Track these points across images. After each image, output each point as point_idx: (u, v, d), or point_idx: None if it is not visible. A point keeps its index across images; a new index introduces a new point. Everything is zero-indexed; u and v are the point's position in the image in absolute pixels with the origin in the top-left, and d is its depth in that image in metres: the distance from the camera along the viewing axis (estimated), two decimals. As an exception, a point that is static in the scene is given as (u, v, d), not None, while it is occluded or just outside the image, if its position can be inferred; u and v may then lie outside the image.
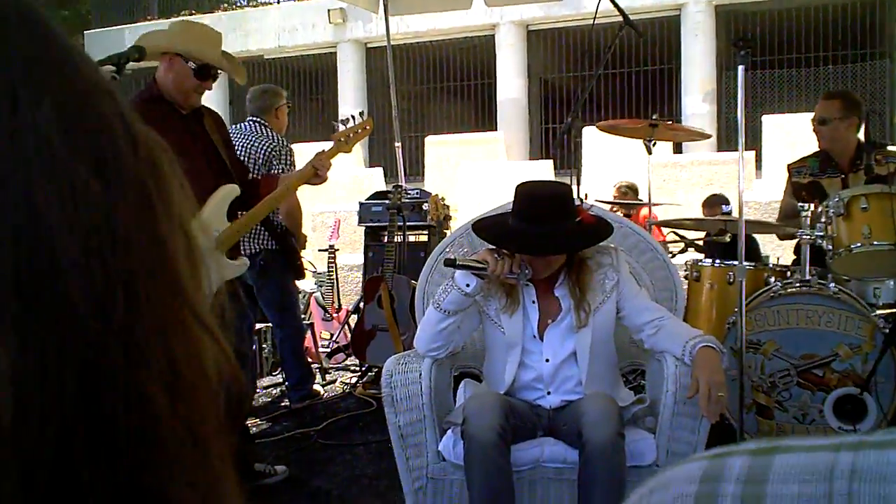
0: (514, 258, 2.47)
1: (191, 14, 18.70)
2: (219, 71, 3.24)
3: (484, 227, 2.69)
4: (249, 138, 4.51)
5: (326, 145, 3.45)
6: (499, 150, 11.77)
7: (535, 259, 2.52)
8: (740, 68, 2.91)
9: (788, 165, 4.33)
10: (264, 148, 4.46)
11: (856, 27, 13.62)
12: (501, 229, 2.60)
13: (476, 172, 9.66)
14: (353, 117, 3.37)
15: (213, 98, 17.87)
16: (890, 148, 3.99)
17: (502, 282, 2.57)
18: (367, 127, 3.40)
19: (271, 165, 4.45)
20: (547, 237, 2.52)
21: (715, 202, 5.24)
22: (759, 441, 0.42)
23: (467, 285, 2.47)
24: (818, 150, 4.21)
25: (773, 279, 3.64)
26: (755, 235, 4.87)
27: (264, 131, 4.54)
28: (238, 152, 4.43)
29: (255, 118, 4.60)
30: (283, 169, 4.45)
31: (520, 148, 14.59)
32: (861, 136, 4.09)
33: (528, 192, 2.61)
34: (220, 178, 3.10)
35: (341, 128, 3.35)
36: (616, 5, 3.94)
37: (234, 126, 4.68)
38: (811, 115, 4.13)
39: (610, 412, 2.37)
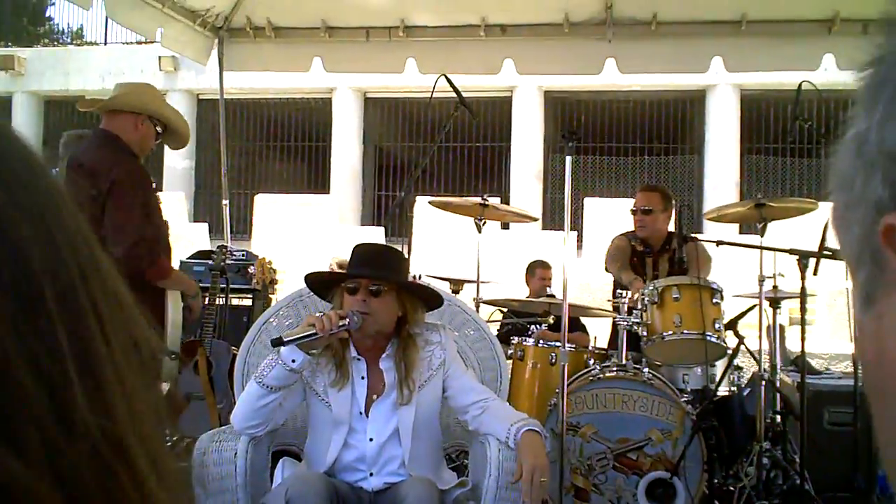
0: (339, 312, 2.40)
1: (6, 45, 17.57)
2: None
3: (316, 275, 2.69)
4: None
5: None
6: (331, 214, 11.70)
7: (365, 306, 2.45)
8: (567, 158, 3.03)
9: (624, 234, 4.56)
10: (80, 197, 4.15)
11: (670, 123, 14.83)
12: (334, 273, 2.60)
13: (306, 235, 9.53)
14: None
15: (27, 135, 16.72)
16: (699, 243, 4.27)
17: (333, 346, 2.51)
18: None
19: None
20: (379, 267, 2.55)
21: (537, 267, 5.50)
22: None
23: (293, 360, 2.37)
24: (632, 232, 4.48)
25: (592, 361, 3.76)
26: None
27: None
28: None
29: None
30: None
31: (352, 213, 14.61)
32: (671, 227, 4.39)
33: (363, 246, 2.67)
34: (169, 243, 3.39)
35: None
36: (453, 86, 4.02)
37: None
38: (628, 200, 4.40)
39: (429, 498, 2.32)
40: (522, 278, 5.82)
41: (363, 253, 2.64)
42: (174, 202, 12.01)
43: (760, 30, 5.33)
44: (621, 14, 5.51)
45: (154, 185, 3.38)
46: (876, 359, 0.45)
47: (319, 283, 2.68)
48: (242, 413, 2.49)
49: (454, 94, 4.21)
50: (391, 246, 2.76)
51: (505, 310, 4.86)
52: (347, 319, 2.38)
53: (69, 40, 22.18)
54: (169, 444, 4.82)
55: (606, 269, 4.51)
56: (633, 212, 4.39)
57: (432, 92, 4.00)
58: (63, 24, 25.35)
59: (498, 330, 4.83)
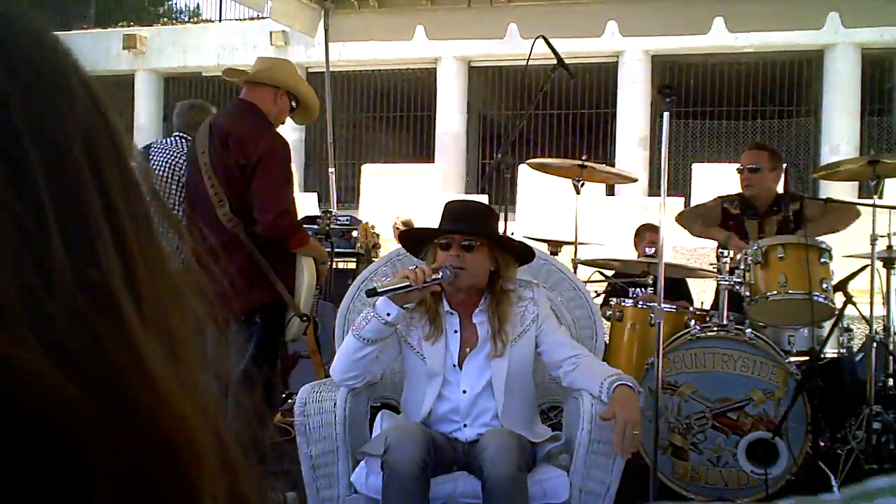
0: (432, 266, 2.48)
1: (129, 26, 18.42)
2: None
3: (411, 232, 2.78)
4: (175, 154, 4.37)
5: None
6: (435, 183, 11.83)
7: (459, 261, 2.50)
8: (665, 114, 2.98)
9: (720, 197, 4.40)
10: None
11: (783, 85, 14.19)
12: (429, 230, 2.66)
13: (411, 203, 9.67)
14: None
15: (146, 112, 17.58)
16: (806, 202, 4.11)
17: (426, 300, 2.57)
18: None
19: None
20: (472, 224, 2.58)
21: (645, 231, 5.32)
22: None
23: (388, 314, 2.44)
24: (738, 193, 4.33)
25: (693, 322, 3.71)
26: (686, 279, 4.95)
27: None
28: (161, 168, 4.32)
29: (181, 134, 4.48)
30: None
31: (456, 181, 14.69)
32: (780, 188, 4.22)
33: (455, 203, 2.73)
34: None
35: None
36: (550, 46, 3.99)
37: (158, 140, 4.56)
38: (737, 165, 4.25)
39: (509, 447, 2.35)
40: (628, 242, 5.74)
41: (455, 209, 2.67)
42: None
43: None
44: (731, -32, 5.31)
45: None
46: None
47: (414, 240, 2.74)
48: (341, 365, 2.59)
49: (554, 58, 4.19)
50: (482, 202, 2.81)
51: (606, 272, 4.83)
52: (441, 273, 2.43)
53: (187, 19, 23.05)
54: (282, 399, 5.05)
55: (691, 232, 4.37)
56: (740, 170, 4.23)
57: (529, 55, 3.98)
58: (181, 4, 26.41)
59: (600, 291, 4.81)
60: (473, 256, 2.54)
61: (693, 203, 10.69)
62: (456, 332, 2.64)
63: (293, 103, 3.50)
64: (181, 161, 4.34)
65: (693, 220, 4.35)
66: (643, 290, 4.47)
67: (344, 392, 2.63)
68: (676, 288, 4.54)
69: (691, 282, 5.14)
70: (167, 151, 4.39)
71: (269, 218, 3.20)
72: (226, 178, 3.27)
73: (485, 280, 2.61)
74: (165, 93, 17.91)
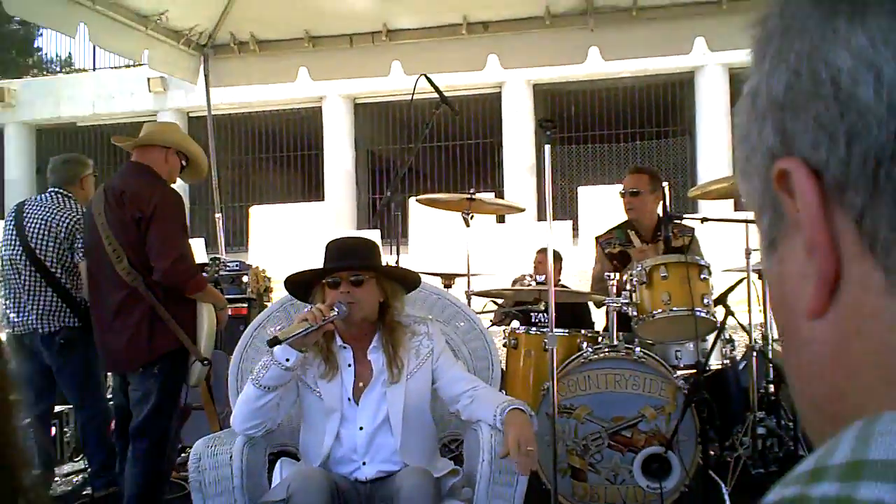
0: (325, 305, 2.47)
1: (-5, 77, 17.62)
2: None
3: (296, 276, 2.72)
4: (51, 210, 4.22)
5: None
6: (327, 220, 11.77)
7: (350, 296, 2.51)
8: (546, 147, 3.07)
9: (597, 238, 4.57)
10: (66, 221, 4.19)
11: (659, 107, 14.85)
12: (313, 270, 2.65)
13: (302, 243, 9.57)
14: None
15: (17, 165, 16.80)
16: (685, 221, 4.30)
17: (320, 342, 2.55)
18: None
19: (74, 239, 4.18)
20: (356, 258, 2.62)
21: (536, 253, 5.41)
22: None
23: (287, 359, 2.41)
24: (622, 222, 4.48)
25: (585, 344, 3.79)
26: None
27: (67, 203, 4.26)
28: (37, 225, 4.16)
29: (57, 189, 4.32)
30: None
31: (348, 218, 14.66)
32: (659, 210, 4.39)
33: (336, 242, 2.72)
34: None
35: None
36: (433, 84, 4.06)
37: (32, 198, 4.38)
38: (622, 186, 4.40)
39: (424, 487, 2.36)
40: (520, 269, 5.82)
41: (338, 247, 2.68)
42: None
43: (741, 7, 5.34)
44: (602, 2, 5.55)
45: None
46: (779, 303, 0.48)
47: (300, 286, 2.72)
48: (242, 414, 2.54)
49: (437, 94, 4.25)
50: (363, 237, 2.82)
51: (499, 301, 4.89)
52: (336, 309, 2.44)
53: (58, 69, 22.27)
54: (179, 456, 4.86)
55: (595, 286, 4.44)
56: (622, 194, 4.37)
57: (413, 93, 4.04)
58: (52, 53, 25.48)
59: (494, 320, 4.86)
60: (363, 290, 2.56)
61: (581, 224, 11.02)
62: (350, 365, 2.64)
63: (183, 162, 3.74)
64: (57, 216, 4.19)
65: (600, 281, 4.30)
66: (544, 314, 4.54)
67: (241, 442, 2.57)
68: (577, 313, 4.66)
69: (592, 306, 5.25)
70: (43, 208, 4.23)
71: (166, 265, 3.37)
72: (123, 234, 3.44)
73: (376, 312, 2.63)
74: (38, 145, 17.19)
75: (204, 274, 4.97)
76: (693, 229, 4.32)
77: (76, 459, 5.15)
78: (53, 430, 4.80)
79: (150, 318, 3.42)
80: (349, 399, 2.61)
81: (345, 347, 2.65)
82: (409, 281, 2.76)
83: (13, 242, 4.20)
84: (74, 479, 4.80)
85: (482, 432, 2.55)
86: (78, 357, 4.22)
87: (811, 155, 0.43)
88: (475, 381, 2.70)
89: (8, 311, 4.21)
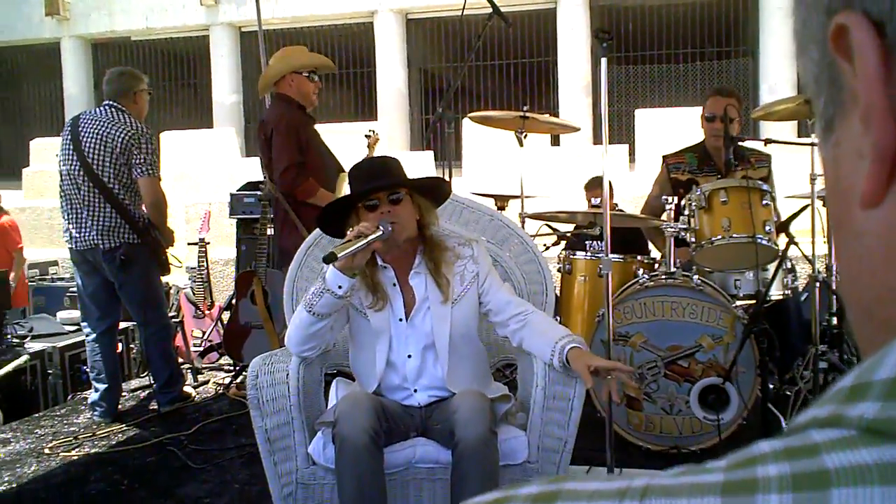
0: (369, 223, 2.42)
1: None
2: (316, 70, 4.32)
3: (329, 207, 2.68)
4: (106, 125, 4.22)
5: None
6: (380, 140, 11.69)
7: (391, 216, 2.46)
8: (602, 60, 2.93)
9: (665, 157, 4.31)
10: (122, 135, 4.19)
11: (720, 26, 14.27)
12: (349, 196, 2.61)
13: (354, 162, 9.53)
14: (371, 131, 4.72)
15: (75, 81, 16.98)
16: (759, 147, 4.06)
17: (363, 271, 2.51)
18: (378, 138, 4.73)
19: (130, 154, 4.19)
20: (388, 177, 2.55)
21: (595, 185, 5.23)
22: (543, 484, 0.37)
23: (339, 287, 2.39)
24: (696, 144, 4.22)
25: (641, 271, 3.73)
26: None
27: (122, 117, 4.26)
28: (92, 139, 4.18)
29: (111, 102, 4.32)
30: (144, 158, 4.21)
31: (400, 138, 14.56)
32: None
33: (360, 165, 2.66)
34: (337, 166, 4.39)
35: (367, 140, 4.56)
36: (484, -6, 3.93)
37: (87, 111, 4.39)
38: (681, 109, 4.22)
39: (482, 410, 2.35)
40: (574, 192, 5.73)
41: (366, 169, 2.60)
42: (225, 137, 12.11)
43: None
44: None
45: (311, 126, 4.30)
46: (832, 191, 0.42)
47: (334, 217, 2.63)
48: (296, 338, 2.55)
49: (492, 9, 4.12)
50: (384, 155, 2.75)
51: (554, 225, 4.82)
52: (381, 229, 2.39)
53: (112, -19, 22.18)
54: (233, 372, 4.99)
55: (647, 209, 4.28)
56: (710, 118, 4.06)
57: (464, 5, 3.93)
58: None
59: (549, 245, 4.81)
60: (402, 207, 2.52)
61: (638, 148, 10.76)
62: (395, 285, 2.60)
63: (313, 75, 4.28)
64: (112, 131, 4.20)
65: (654, 205, 4.16)
66: (599, 242, 4.45)
67: (296, 362, 2.60)
68: (632, 238, 4.47)
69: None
70: (97, 122, 4.24)
71: (276, 174, 4.08)
72: (265, 154, 4.25)
73: (415, 229, 2.58)
74: (94, 59, 17.28)
75: (258, 192, 5.01)
76: (770, 157, 4.11)
77: (142, 375, 5.32)
78: (120, 345, 4.94)
79: (285, 219, 4.20)
80: (400, 319, 2.59)
81: (386, 268, 2.61)
82: (440, 193, 2.68)
83: (71, 158, 4.23)
84: (141, 395, 4.96)
85: (536, 361, 2.53)
86: (139, 273, 4.29)
87: (872, 6, 0.36)
88: (524, 304, 2.65)
89: (70, 227, 4.28)
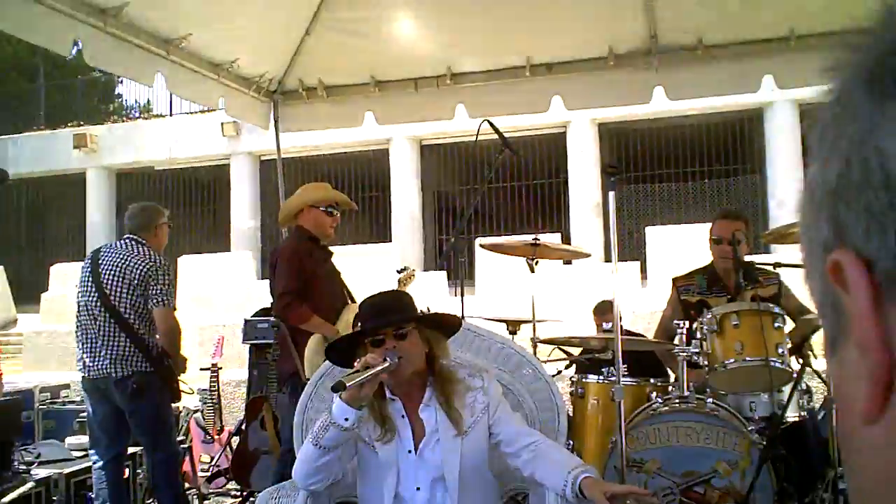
0: (374, 355, 2.42)
1: (79, 125, 18.41)
2: (337, 205, 4.47)
3: (336, 343, 2.73)
4: (125, 257, 4.34)
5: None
6: (394, 262, 11.82)
7: (396, 352, 2.46)
8: (611, 193, 3.01)
9: (675, 280, 4.31)
10: (141, 266, 4.30)
11: (727, 144, 14.61)
12: (354, 333, 2.63)
13: (371, 285, 9.61)
14: (405, 268, 4.68)
15: (98, 208, 17.41)
16: (765, 266, 4.09)
17: (371, 403, 2.50)
18: (414, 275, 4.69)
19: (147, 285, 4.29)
20: (396, 312, 2.58)
21: (605, 309, 5.22)
22: None
23: (346, 419, 2.38)
24: (705, 266, 4.23)
25: (654, 395, 3.69)
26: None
27: (141, 250, 4.39)
28: (112, 272, 4.28)
29: (132, 236, 4.46)
30: (160, 289, 4.30)
31: (415, 259, 14.73)
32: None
33: (370, 299, 2.68)
34: (345, 298, 4.47)
35: (399, 276, 4.56)
36: (495, 129, 4.07)
37: (108, 244, 4.52)
38: (691, 226, 4.26)
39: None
40: (586, 313, 5.74)
41: (374, 304, 2.63)
42: (241, 261, 12.30)
43: (810, 44, 5.19)
44: (666, 42, 5.47)
45: (320, 257, 4.40)
46: (840, 403, 0.46)
47: (342, 351, 2.67)
48: (303, 472, 2.52)
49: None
50: (397, 293, 2.77)
51: (567, 349, 4.80)
52: (388, 359, 2.40)
53: (137, 115, 23.13)
54: (240, 498, 4.89)
55: (661, 333, 4.26)
56: (717, 241, 4.07)
57: (476, 136, 4.06)
58: (131, 100, 26.53)
59: (561, 369, 4.78)
60: (409, 343, 2.53)
61: (649, 265, 10.81)
62: (403, 416, 2.59)
63: (329, 209, 4.41)
64: (131, 262, 4.30)
65: (667, 328, 4.12)
66: (612, 367, 4.39)
67: (304, 496, 2.56)
68: (648, 360, 4.37)
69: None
70: (117, 254, 4.36)
71: (275, 302, 4.21)
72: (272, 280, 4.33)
73: (423, 362, 2.58)
74: (118, 188, 17.81)
75: (271, 318, 5.04)
76: (778, 275, 4.12)
77: (148, 501, 5.23)
78: (127, 471, 4.88)
79: (283, 345, 4.29)
80: (409, 451, 2.56)
81: (394, 400, 2.61)
82: (449, 325, 2.70)
83: (89, 289, 4.33)
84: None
85: (548, 495, 2.48)
86: (150, 401, 4.30)
87: (863, 246, 0.41)
88: (535, 434, 2.62)
89: (84, 356, 4.33)
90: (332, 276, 4.46)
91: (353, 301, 4.44)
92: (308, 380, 3.75)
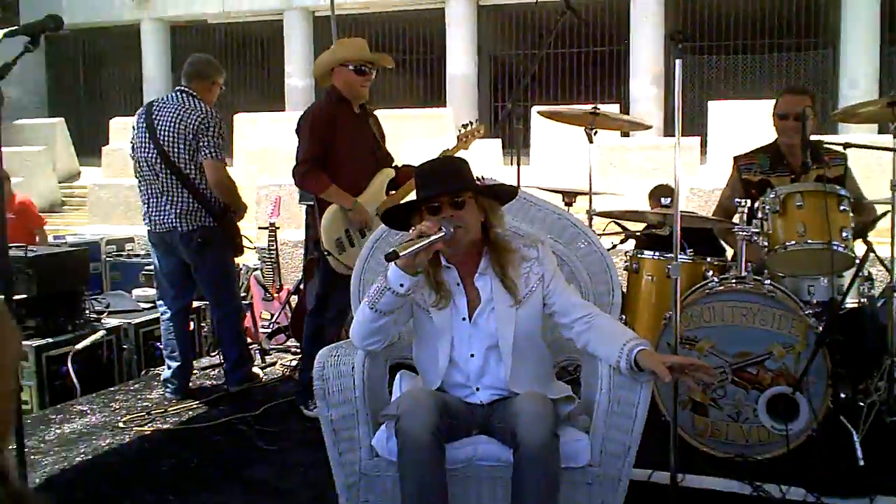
0: (431, 223, 2.41)
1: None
2: (370, 64, 4.15)
3: (393, 208, 2.71)
4: (178, 111, 4.31)
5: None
6: (447, 127, 11.69)
7: (454, 220, 2.45)
8: (677, 62, 2.88)
9: (736, 158, 4.21)
10: (194, 120, 4.28)
11: (800, 16, 13.84)
12: (412, 202, 2.61)
13: (422, 149, 9.57)
14: (470, 122, 4.34)
15: (155, 62, 17.39)
16: (831, 146, 3.95)
17: (427, 270, 2.52)
18: (481, 131, 4.36)
19: (199, 139, 4.29)
20: (454, 181, 2.55)
21: (659, 194, 5.14)
22: None
23: (401, 285, 2.42)
24: (769, 144, 4.12)
25: (711, 273, 3.67)
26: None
27: (194, 102, 4.35)
28: (168, 127, 4.29)
29: (183, 87, 4.42)
30: (210, 141, 4.30)
31: (468, 125, 14.52)
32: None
33: (426, 165, 2.65)
34: (379, 163, 4.21)
35: (462, 130, 4.29)
36: (560, -11, 3.90)
37: (160, 98, 4.51)
38: (755, 102, 4.11)
39: (545, 413, 2.35)
40: (644, 186, 5.65)
41: (431, 171, 2.60)
42: (296, 120, 12.30)
43: None
44: None
45: (348, 120, 4.12)
46: None
47: (398, 217, 2.66)
48: (360, 333, 2.59)
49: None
50: (452, 160, 2.71)
51: (622, 222, 4.77)
52: (443, 230, 2.38)
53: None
54: (300, 354, 5.08)
55: (720, 211, 4.19)
56: (782, 116, 3.94)
57: (539, -3, 3.91)
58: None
59: (616, 243, 4.77)
60: (465, 211, 2.50)
61: (710, 142, 10.53)
62: (458, 284, 2.61)
63: (362, 67, 4.12)
64: (185, 116, 4.30)
65: (727, 207, 4.05)
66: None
67: (361, 355, 2.64)
68: (705, 237, 4.32)
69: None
70: (170, 109, 4.34)
71: (295, 168, 4.06)
72: None
73: (479, 231, 2.58)
74: (172, 42, 17.69)
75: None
76: (846, 156, 3.99)
77: (213, 354, 5.48)
78: (192, 324, 5.10)
79: (317, 207, 4.15)
80: (464, 319, 2.60)
81: (449, 268, 2.61)
82: (504, 195, 2.67)
83: (147, 145, 4.35)
84: (211, 373, 5.11)
85: (601, 364, 2.52)
86: (214, 255, 4.42)
87: None
88: (590, 307, 2.63)
89: (149, 210, 4.42)
90: (364, 140, 4.20)
91: (392, 165, 4.29)
92: (326, 249, 4.00)
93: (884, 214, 3.67)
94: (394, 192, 4.16)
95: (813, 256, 3.42)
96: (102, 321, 5.15)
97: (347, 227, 4.04)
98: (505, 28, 15.17)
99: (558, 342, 2.84)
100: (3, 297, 3.01)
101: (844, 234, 3.40)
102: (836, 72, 13.41)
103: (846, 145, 3.82)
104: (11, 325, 0.68)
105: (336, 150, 4.02)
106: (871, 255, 3.48)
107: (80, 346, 4.75)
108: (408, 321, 2.71)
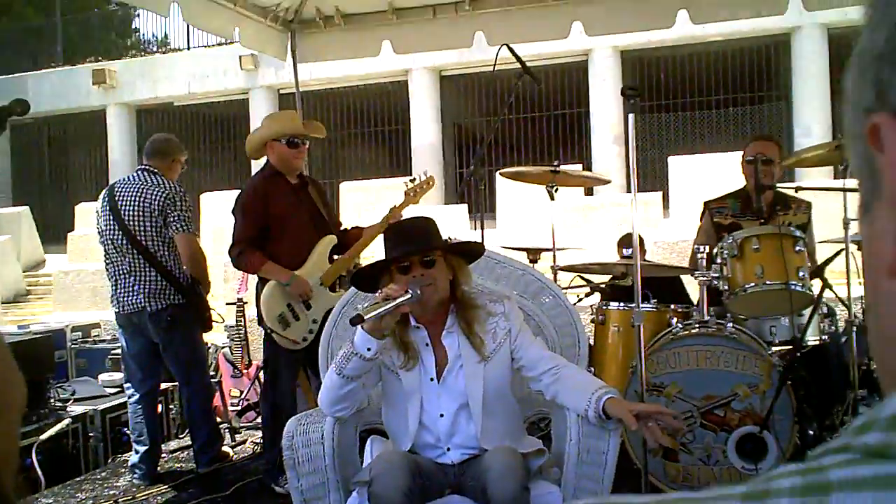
0: (399, 285, 2.44)
1: (97, 61, 18.33)
2: (302, 136, 4.15)
3: (364, 269, 2.73)
4: (141, 189, 4.34)
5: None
6: (414, 195, 11.83)
7: (424, 279, 2.49)
8: (630, 116, 2.97)
9: (706, 203, 4.30)
10: (158, 196, 4.31)
11: (753, 71, 14.29)
12: (382, 261, 2.63)
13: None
14: (420, 175, 4.33)
15: (119, 146, 17.45)
16: (795, 193, 4.07)
17: (394, 331, 2.53)
18: (431, 183, 4.35)
19: (166, 214, 4.31)
20: (424, 240, 2.58)
21: (625, 243, 5.20)
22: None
23: (368, 349, 2.42)
24: (738, 190, 4.22)
25: (675, 320, 3.71)
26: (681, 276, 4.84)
27: (156, 179, 4.37)
28: (131, 206, 4.30)
29: (145, 166, 4.45)
30: (179, 215, 4.32)
31: (434, 192, 14.64)
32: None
33: (397, 226, 2.76)
34: (320, 231, 4.16)
35: (410, 185, 4.28)
36: (514, 55, 4.01)
37: (122, 178, 4.53)
38: (715, 155, 4.23)
39: (514, 465, 2.34)
40: (607, 242, 5.73)
41: (400, 231, 2.65)
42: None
43: (839, -37, 5.05)
44: (690, -38, 5.31)
45: (284, 195, 4.11)
46: (868, 260, 0.49)
47: (368, 277, 2.68)
48: (329, 400, 2.58)
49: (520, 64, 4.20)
50: (422, 220, 2.76)
51: (588, 277, 4.82)
52: (409, 293, 2.40)
53: (155, 49, 22.98)
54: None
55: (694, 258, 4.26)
56: (751, 161, 3.99)
57: (495, 63, 4.02)
58: (149, 34, 26.34)
59: (581, 296, 4.80)
60: (436, 270, 2.54)
61: (672, 195, 10.72)
62: (427, 344, 2.62)
63: (293, 140, 4.10)
64: (148, 194, 4.31)
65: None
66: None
67: (331, 422, 2.62)
68: (670, 287, 4.40)
69: (686, 280, 5.08)
70: (133, 187, 4.35)
71: (229, 248, 4.08)
72: None
73: (448, 290, 2.61)
74: (138, 125, 17.81)
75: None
76: (811, 205, 4.10)
77: (182, 436, 5.38)
78: (160, 406, 5.01)
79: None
80: (432, 379, 2.60)
81: (419, 328, 2.63)
82: (473, 252, 2.72)
83: (112, 226, 4.35)
84: (180, 455, 5.00)
85: (570, 415, 2.52)
86: (184, 334, 4.38)
87: None
88: (557, 358, 2.65)
89: (116, 291, 4.39)
90: (302, 211, 4.14)
91: (341, 229, 4.32)
92: (269, 327, 4.01)
93: (838, 252, 3.75)
94: (338, 256, 4.18)
95: (772, 297, 3.48)
96: (68, 409, 5.03)
97: (289, 301, 4.03)
98: (467, 96, 15.48)
99: (528, 397, 2.85)
100: None
101: (801, 274, 3.48)
102: (790, 122, 13.80)
103: (798, 189, 3.93)
104: (13, 364, 0.70)
105: (273, 225, 4.02)
106: (830, 292, 3.55)
107: (44, 436, 4.63)
108: (377, 383, 2.70)
